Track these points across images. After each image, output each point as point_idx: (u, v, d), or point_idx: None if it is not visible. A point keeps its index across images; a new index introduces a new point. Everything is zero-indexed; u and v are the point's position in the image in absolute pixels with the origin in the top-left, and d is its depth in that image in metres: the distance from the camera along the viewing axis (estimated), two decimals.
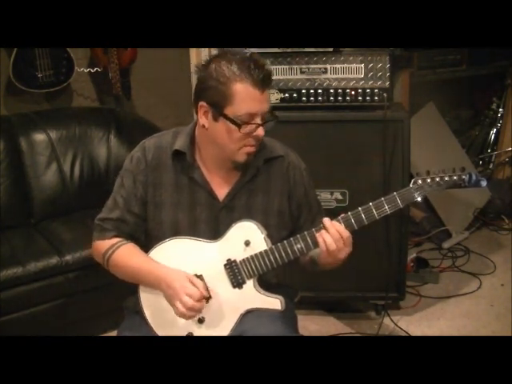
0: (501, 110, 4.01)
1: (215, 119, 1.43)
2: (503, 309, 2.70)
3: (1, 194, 2.59)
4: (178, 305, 1.38)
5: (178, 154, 1.52)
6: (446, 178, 1.46)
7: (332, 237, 1.40)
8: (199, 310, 1.41)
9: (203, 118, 1.45)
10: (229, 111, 1.40)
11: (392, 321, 2.57)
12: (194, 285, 1.40)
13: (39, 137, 2.76)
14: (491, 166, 4.05)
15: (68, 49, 2.84)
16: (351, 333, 2.54)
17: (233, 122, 1.40)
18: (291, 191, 1.58)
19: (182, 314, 1.39)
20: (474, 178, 1.44)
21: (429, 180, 1.45)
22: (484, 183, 1.46)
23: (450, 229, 3.41)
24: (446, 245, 3.33)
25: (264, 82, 1.40)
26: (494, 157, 4.04)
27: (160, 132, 1.63)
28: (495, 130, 4.06)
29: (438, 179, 1.45)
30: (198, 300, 1.38)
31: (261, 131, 1.43)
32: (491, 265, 3.16)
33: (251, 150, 1.46)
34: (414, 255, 3.04)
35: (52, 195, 2.73)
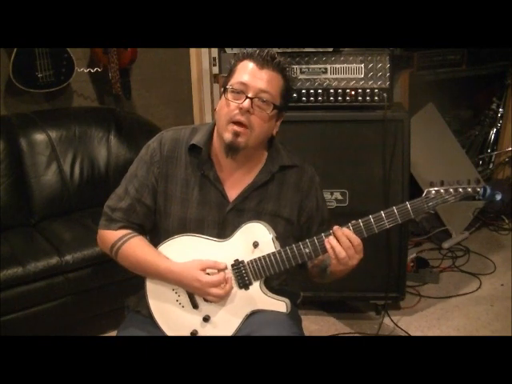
0: (501, 110, 4.01)
1: (221, 97, 1.48)
2: (503, 309, 2.70)
3: (1, 194, 2.59)
4: (213, 298, 1.45)
5: (194, 149, 1.52)
6: (461, 190, 1.41)
7: (342, 245, 1.39)
8: (231, 287, 1.46)
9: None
10: (228, 84, 1.45)
11: (392, 321, 2.57)
12: (208, 267, 1.44)
13: (39, 137, 2.76)
14: (491, 166, 4.06)
15: (68, 49, 2.84)
16: (351, 333, 2.54)
17: (225, 89, 1.44)
18: (303, 203, 1.57)
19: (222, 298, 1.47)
20: (488, 191, 1.40)
21: (442, 191, 1.41)
22: (499, 197, 1.41)
23: (449, 229, 3.41)
24: (445, 245, 3.33)
25: (264, 59, 1.42)
26: (493, 157, 4.05)
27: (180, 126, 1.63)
28: (495, 130, 4.06)
29: (451, 190, 1.41)
30: (226, 282, 1.43)
31: (246, 103, 1.40)
32: (491, 265, 3.16)
33: (237, 129, 1.41)
34: (414, 255, 3.04)
35: (52, 195, 2.73)
